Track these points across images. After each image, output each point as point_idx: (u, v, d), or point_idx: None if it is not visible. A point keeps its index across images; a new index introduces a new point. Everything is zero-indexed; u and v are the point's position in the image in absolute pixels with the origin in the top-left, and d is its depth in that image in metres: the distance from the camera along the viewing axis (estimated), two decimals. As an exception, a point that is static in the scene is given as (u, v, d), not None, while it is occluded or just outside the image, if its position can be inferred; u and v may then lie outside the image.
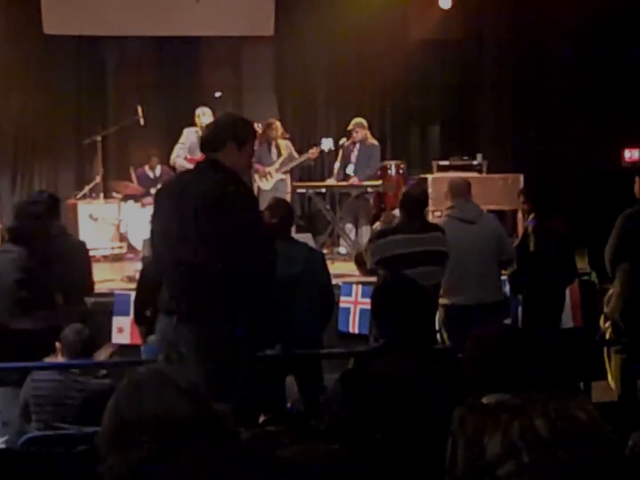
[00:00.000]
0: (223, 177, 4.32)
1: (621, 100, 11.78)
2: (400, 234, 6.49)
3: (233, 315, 4.25)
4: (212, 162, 4.41)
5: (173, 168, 10.93)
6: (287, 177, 11.12)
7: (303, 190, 11.35)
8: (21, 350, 5.61)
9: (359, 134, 10.98)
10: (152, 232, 4.56)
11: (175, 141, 10.82)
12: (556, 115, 12.87)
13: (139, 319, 6.65)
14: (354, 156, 11.00)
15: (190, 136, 10.65)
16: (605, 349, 6.67)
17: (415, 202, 6.61)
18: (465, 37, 13.44)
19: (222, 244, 4.19)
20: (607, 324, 6.66)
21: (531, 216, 7.37)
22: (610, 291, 6.70)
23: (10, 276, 5.99)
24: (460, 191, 7.05)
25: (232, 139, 4.40)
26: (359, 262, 6.96)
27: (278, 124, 11.27)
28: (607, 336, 6.65)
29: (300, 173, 12.22)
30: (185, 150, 10.62)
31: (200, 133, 10.60)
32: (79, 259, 6.91)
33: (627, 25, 11.89)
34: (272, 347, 5.40)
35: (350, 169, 10.94)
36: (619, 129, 11.59)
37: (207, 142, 4.49)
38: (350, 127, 11.06)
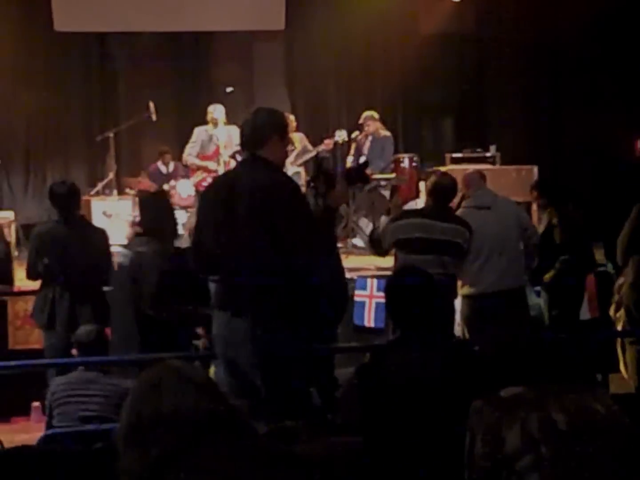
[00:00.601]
0: (272, 174, 4.35)
1: (635, 91, 11.73)
2: (422, 218, 6.48)
3: (287, 309, 4.28)
4: (257, 159, 4.40)
5: (185, 166, 10.95)
6: (302, 170, 11.10)
7: (316, 184, 11.33)
8: (164, 341, 5.68)
9: (370, 127, 10.98)
10: (199, 230, 4.57)
11: (188, 137, 10.82)
12: (570, 106, 12.82)
13: None
14: (366, 149, 11.00)
15: (201, 134, 10.65)
16: (619, 340, 6.63)
17: (444, 191, 6.59)
18: (477, 29, 13.42)
19: (275, 240, 4.21)
20: (619, 314, 6.62)
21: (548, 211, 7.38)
22: (621, 280, 6.66)
23: (155, 268, 5.93)
24: (474, 182, 7.00)
25: (275, 132, 4.42)
26: (374, 243, 6.93)
27: (292, 117, 11.26)
28: (620, 326, 6.62)
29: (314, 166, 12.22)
30: (197, 149, 10.63)
31: (210, 130, 10.61)
32: (102, 247, 6.97)
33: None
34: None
35: None
36: (632, 120, 11.55)
37: (251, 138, 4.45)
38: (361, 120, 11.07)
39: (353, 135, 11.07)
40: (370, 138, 11.03)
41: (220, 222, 4.37)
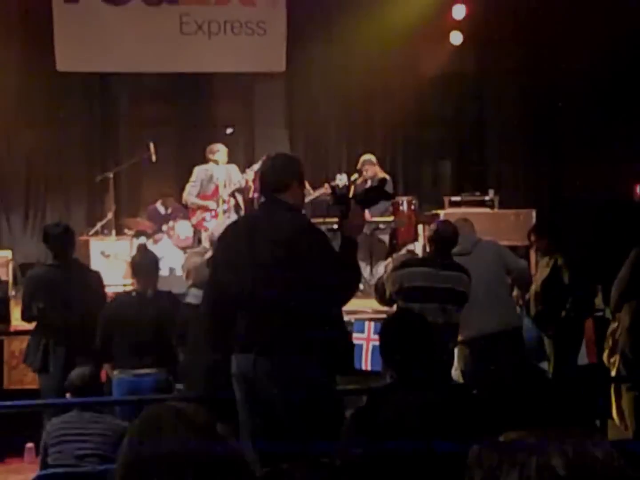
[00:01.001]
0: (295, 216, 4.54)
1: (635, 135, 11.77)
2: (424, 267, 6.49)
3: (312, 347, 4.33)
4: (278, 201, 4.52)
5: (185, 206, 10.98)
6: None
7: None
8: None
9: (368, 172, 11.00)
10: (218, 272, 4.64)
11: (187, 177, 10.86)
12: (570, 149, 12.86)
13: (105, 358, 6.66)
14: None
15: (200, 174, 10.71)
16: (613, 386, 6.60)
17: (446, 240, 6.60)
18: (477, 72, 13.49)
19: (302, 279, 4.30)
20: (613, 359, 6.60)
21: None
22: (614, 325, 6.64)
23: None
24: (460, 230, 6.98)
25: (294, 177, 4.58)
26: (378, 291, 6.95)
27: None
28: (614, 372, 6.59)
29: (313, 209, 12.22)
30: (197, 188, 10.69)
31: (210, 170, 10.66)
32: (97, 289, 6.99)
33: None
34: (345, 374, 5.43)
35: None
36: (632, 164, 11.58)
37: (273, 183, 4.58)
38: (359, 165, 11.09)
39: (352, 178, 11.09)
40: (369, 182, 11.04)
41: (243, 264, 4.44)
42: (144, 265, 6.70)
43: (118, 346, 6.56)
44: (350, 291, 4.58)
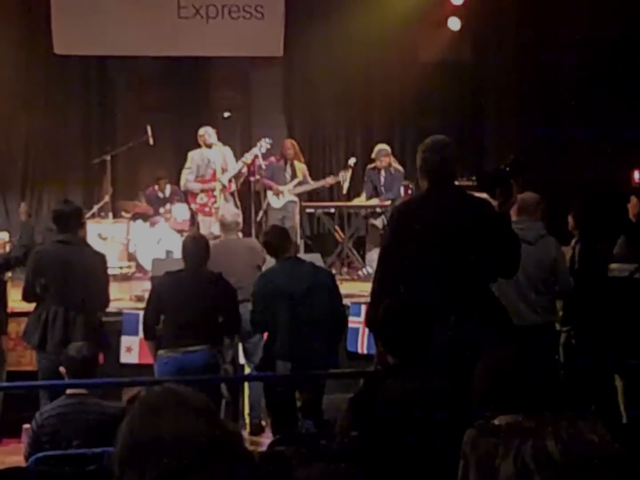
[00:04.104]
0: (478, 199, 4.88)
1: (633, 121, 11.77)
2: None
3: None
4: (451, 186, 4.90)
5: (184, 192, 10.96)
6: (297, 198, 11.19)
7: (312, 210, 11.39)
8: None
9: (382, 162, 11.02)
10: (399, 249, 4.74)
11: (185, 161, 10.83)
12: (567, 135, 12.85)
13: (149, 334, 6.69)
14: (379, 184, 11.05)
15: (195, 158, 10.68)
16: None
17: None
18: (475, 58, 13.47)
19: (484, 253, 4.65)
20: None
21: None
22: None
23: None
24: (527, 209, 6.85)
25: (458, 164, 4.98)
26: None
27: (294, 143, 11.37)
28: None
29: (310, 193, 12.22)
30: (194, 174, 10.67)
31: (205, 153, 10.64)
32: (100, 271, 7.01)
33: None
34: None
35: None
36: (629, 150, 11.58)
37: (451, 172, 4.90)
38: (373, 155, 11.11)
39: (350, 162, 11.12)
40: (383, 172, 11.07)
41: (428, 242, 4.65)
42: (195, 253, 6.65)
43: (166, 324, 6.52)
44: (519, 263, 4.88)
